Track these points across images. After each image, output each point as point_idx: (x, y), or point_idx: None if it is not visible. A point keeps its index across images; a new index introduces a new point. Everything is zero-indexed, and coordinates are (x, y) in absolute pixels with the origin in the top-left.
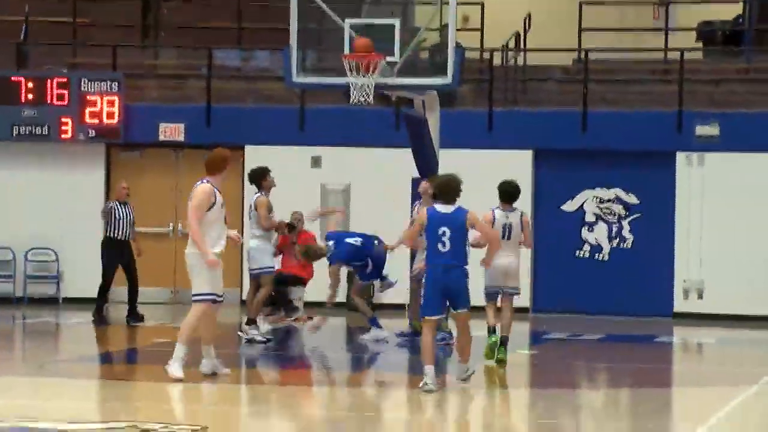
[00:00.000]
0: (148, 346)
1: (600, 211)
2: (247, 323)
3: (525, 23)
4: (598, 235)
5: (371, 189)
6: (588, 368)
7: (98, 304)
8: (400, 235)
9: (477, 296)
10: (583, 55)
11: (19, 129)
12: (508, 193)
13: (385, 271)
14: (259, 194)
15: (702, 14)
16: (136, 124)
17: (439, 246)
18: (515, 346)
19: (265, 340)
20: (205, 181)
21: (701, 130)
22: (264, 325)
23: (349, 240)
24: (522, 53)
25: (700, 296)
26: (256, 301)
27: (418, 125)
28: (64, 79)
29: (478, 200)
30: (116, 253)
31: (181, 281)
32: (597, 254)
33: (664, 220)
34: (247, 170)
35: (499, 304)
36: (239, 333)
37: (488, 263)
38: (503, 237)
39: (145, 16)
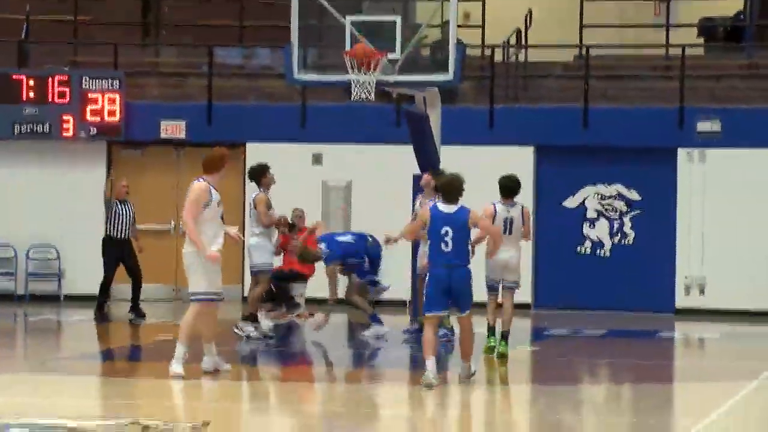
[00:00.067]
0: (149, 343)
1: (601, 207)
2: (243, 319)
3: (526, 20)
4: (600, 231)
5: (372, 186)
6: (590, 364)
7: (99, 302)
8: (402, 229)
9: (479, 292)
10: (584, 52)
11: (20, 127)
12: (509, 187)
13: (379, 276)
14: (258, 191)
15: (703, 10)
16: (137, 122)
17: (442, 246)
18: (517, 342)
19: (259, 336)
20: (201, 179)
21: (702, 126)
22: (265, 322)
23: (340, 239)
24: (523, 50)
25: (702, 292)
26: (251, 298)
27: (420, 122)
28: (65, 77)
29: (480, 197)
30: (116, 252)
31: (182, 279)
32: (598, 250)
33: (666, 216)
34: (248, 168)
35: (499, 299)
36: (234, 329)
37: (492, 255)
38: (504, 231)
39: (146, 14)
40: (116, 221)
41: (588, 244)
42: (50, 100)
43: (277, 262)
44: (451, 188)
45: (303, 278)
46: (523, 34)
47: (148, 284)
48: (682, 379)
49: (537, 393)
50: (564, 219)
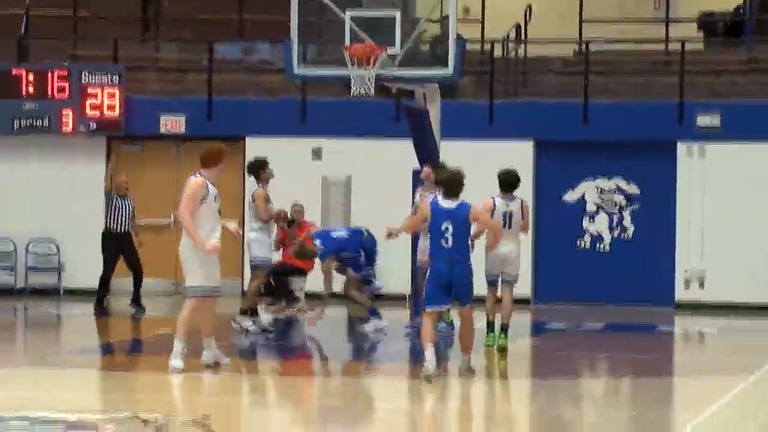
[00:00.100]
0: (149, 337)
1: (601, 201)
2: (241, 313)
3: (526, 15)
4: (599, 225)
5: (372, 181)
6: (589, 358)
7: (99, 296)
8: (402, 223)
9: (479, 286)
10: (583, 47)
11: (20, 122)
12: (508, 182)
13: (374, 270)
14: (257, 186)
15: (703, 5)
16: (137, 117)
17: (442, 241)
18: (516, 336)
19: (257, 330)
20: (197, 174)
21: (702, 120)
22: (265, 316)
23: (335, 234)
24: (523, 45)
25: (702, 286)
26: (248, 292)
27: (419, 117)
28: (65, 72)
29: (480, 192)
30: (115, 246)
31: (181, 273)
32: (598, 244)
33: (665, 210)
34: (247, 162)
35: (499, 293)
36: (232, 323)
37: (492, 248)
38: (504, 225)
39: (146, 9)
40: (116, 215)
41: (587, 238)
42: (50, 95)
43: (277, 256)
44: (453, 183)
45: (302, 273)
46: (522, 29)
47: (147, 279)
48: (681, 373)
49: (536, 387)
50: (563, 213)
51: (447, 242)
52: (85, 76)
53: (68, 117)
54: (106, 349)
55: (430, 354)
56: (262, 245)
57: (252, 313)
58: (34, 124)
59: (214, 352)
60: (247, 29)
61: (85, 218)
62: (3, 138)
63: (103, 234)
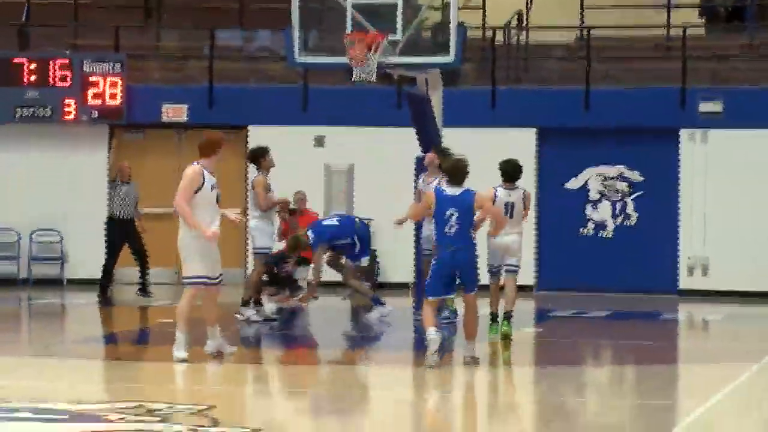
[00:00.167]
0: (152, 326)
1: (604, 188)
2: (242, 304)
3: (527, 1)
4: (602, 212)
5: (374, 168)
6: (593, 346)
7: (102, 284)
8: (407, 211)
9: (483, 277)
10: (585, 33)
11: (22, 111)
12: (509, 173)
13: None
14: (257, 174)
15: None
16: (138, 105)
17: (446, 228)
18: (520, 324)
19: (260, 319)
20: (195, 163)
21: (705, 106)
22: (269, 305)
23: (326, 223)
24: (524, 31)
25: (705, 273)
26: (249, 282)
27: (421, 104)
28: (67, 61)
29: (482, 179)
30: (119, 232)
31: None
32: (601, 232)
33: (668, 197)
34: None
35: (502, 282)
36: (236, 315)
37: (495, 233)
38: (505, 215)
39: None
40: (119, 201)
41: (591, 225)
42: (51, 83)
43: (280, 246)
44: (457, 171)
45: (306, 262)
46: (524, 16)
47: (150, 267)
48: (685, 361)
49: (540, 375)
50: (566, 200)
51: (452, 229)
52: (86, 64)
53: (70, 106)
54: (110, 339)
55: (432, 331)
56: (262, 233)
57: (256, 302)
58: (36, 112)
59: (218, 342)
60: (249, 17)
61: (89, 207)
62: (5, 127)
63: (107, 221)
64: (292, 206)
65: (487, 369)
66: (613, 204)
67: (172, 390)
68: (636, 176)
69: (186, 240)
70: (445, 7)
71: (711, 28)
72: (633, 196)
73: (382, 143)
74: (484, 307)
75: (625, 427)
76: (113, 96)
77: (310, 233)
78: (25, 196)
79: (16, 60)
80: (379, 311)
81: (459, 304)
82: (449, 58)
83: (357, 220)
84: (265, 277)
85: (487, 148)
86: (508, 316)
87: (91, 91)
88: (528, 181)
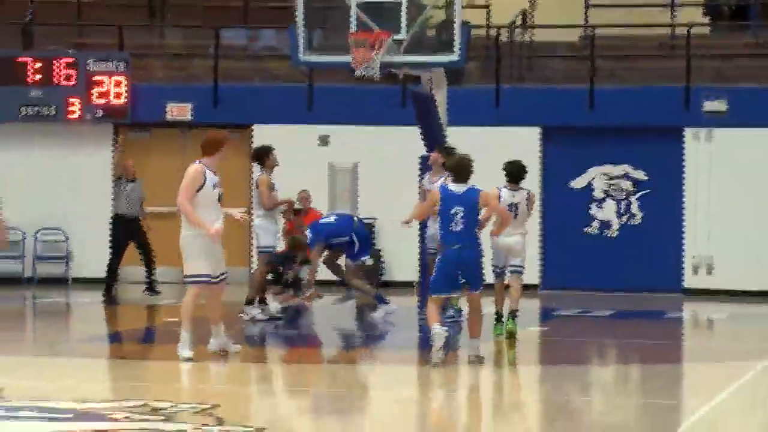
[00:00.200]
0: (157, 325)
1: (608, 187)
2: (246, 303)
3: (531, 0)
4: (607, 211)
5: (379, 167)
6: (597, 345)
7: (107, 283)
8: (412, 210)
9: (487, 276)
10: (589, 32)
11: (26, 110)
12: (513, 174)
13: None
14: (260, 173)
15: None
16: (143, 104)
17: (452, 226)
18: (524, 323)
19: (265, 318)
20: (197, 161)
21: (709, 105)
22: (274, 304)
23: (323, 221)
24: (528, 30)
25: (710, 272)
26: (252, 281)
27: (425, 102)
28: (71, 60)
29: (486, 177)
30: (124, 231)
31: None
32: (606, 231)
33: (673, 196)
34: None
35: (507, 281)
36: (240, 315)
37: (497, 233)
38: None
39: None
40: (125, 199)
41: (595, 224)
42: (56, 82)
43: (283, 245)
44: (461, 168)
45: (309, 262)
46: (528, 15)
47: (156, 266)
48: (689, 360)
49: (545, 374)
50: (571, 199)
51: (457, 226)
52: (91, 63)
53: (74, 105)
54: (115, 338)
55: (437, 327)
56: (266, 232)
57: (261, 301)
58: (41, 111)
59: (222, 340)
60: (253, 16)
61: (93, 206)
62: (10, 126)
63: (112, 219)
64: (296, 206)
65: (491, 368)
66: (618, 203)
67: (176, 389)
68: (640, 175)
69: (188, 239)
70: (449, 6)
71: (715, 27)
72: (637, 195)
73: (386, 142)
74: (488, 306)
75: (630, 427)
76: (118, 95)
77: (308, 232)
78: (29, 195)
79: (20, 59)
80: (383, 309)
81: (463, 303)
82: (453, 56)
83: (355, 218)
84: (269, 276)
85: (491, 147)
86: (513, 314)
87: (95, 90)
88: (532, 180)
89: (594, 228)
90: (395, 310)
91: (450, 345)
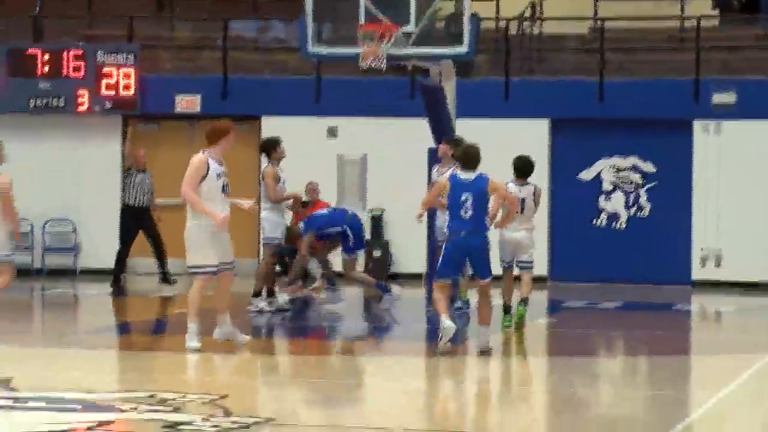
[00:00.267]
0: (165, 316)
1: (617, 179)
2: (254, 296)
3: None
4: (616, 203)
5: (387, 159)
6: (605, 336)
7: (115, 273)
8: (421, 202)
9: (496, 269)
10: (599, 24)
11: (35, 101)
12: (521, 169)
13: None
14: (268, 164)
15: None
16: (152, 96)
17: (462, 212)
18: (533, 316)
19: (273, 309)
20: (202, 151)
21: (718, 98)
22: (282, 296)
23: (316, 212)
24: (538, 22)
25: (718, 264)
26: (258, 273)
27: (434, 94)
28: (80, 52)
29: (495, 169)
30: (134, 221)
31: None
32: (614, 223)
33: (682, 188)
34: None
35: (516, 273)
36: (248, 307)
37: (503, 224)
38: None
39: None
40: (134, 190)
41: (604, 216)
42: (65, 74)
43: None
44: (468, 156)
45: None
46: (537, 7)
47: (167, 257)
48: (698, 352)
49: (552, 365)
50: (579, 191)
51: (467, 213)
52: (100, 55)
53: (84, 96)
54: (123, 329)
55: (447, 322)
56: (272, 225)
57: (269, 293)
58: (50, 103)
59: (228, 329)
60: (262, 7)
61: (102, 198)
62: (19, 117)
63: (122, 209)
64: (304, 198)
65: (499, 359)
66: (627, 195)
67: (184, 380)
68: (649, 167)
69: (193, 229)
70: None
71: (724, 19)
72: (646, 188)
73: (395, 134)
74: (497, 298)
75: (637, 418)
76: (127, 87)
77: (301, 224)
78: (38, 187)
79: (30, 51)
80: (387, 298)
81: (471, 294)
82: (462, 49)
83: (349, 211)
84: (278, 268)
85: (500, 139)
86: (525, 301)
87: (104, 82)
88: (541, 172)
89: (602, 220)
90: (399, 296)
91: (458, 338)
